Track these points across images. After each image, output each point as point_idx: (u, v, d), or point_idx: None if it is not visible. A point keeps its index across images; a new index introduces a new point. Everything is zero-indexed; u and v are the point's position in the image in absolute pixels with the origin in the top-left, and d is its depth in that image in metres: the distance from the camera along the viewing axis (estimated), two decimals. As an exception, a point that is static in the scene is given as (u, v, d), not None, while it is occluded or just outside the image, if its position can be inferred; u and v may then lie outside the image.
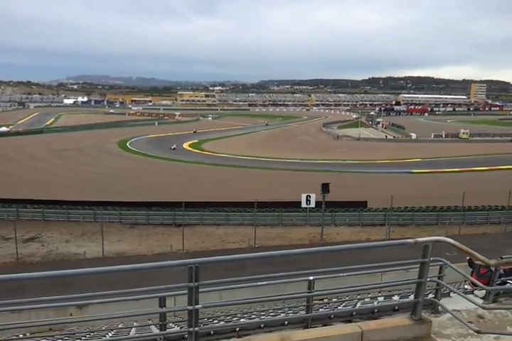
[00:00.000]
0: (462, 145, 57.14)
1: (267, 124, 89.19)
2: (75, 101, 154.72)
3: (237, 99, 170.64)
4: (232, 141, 64.57)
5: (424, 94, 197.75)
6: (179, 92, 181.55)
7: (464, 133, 66.14)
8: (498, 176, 35.33)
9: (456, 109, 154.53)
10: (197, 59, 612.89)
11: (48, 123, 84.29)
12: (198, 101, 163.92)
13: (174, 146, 53.12)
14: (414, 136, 65.24)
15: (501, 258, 3.53)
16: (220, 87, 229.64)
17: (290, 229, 23.32)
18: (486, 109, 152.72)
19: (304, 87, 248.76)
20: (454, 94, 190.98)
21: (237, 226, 23.54)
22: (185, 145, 56.43)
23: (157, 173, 36.42)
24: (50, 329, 8.07)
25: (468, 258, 5.04)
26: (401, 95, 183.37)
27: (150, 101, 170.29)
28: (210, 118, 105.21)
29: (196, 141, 61.28)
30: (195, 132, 70.97)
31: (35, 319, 4.63)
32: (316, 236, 21.57)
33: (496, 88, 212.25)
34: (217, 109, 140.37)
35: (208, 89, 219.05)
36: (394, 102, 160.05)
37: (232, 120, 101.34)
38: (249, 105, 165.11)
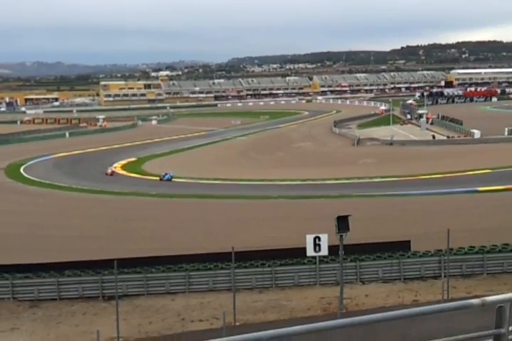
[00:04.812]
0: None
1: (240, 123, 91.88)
2: None
3: (197, 89, 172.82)
4: (192, 155, 65.36)
5: (490, 67, 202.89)
6: (103, 83, 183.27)
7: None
8: None
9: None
10: (129, 29, 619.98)
11: None
12: (134, 95, 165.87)
13: (110, 170, 53.30)
14: (477, 133, 66.49)
15: None
16: (168, 72, 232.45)
17: (291, 293, 23.24)
18: None
19: (301, 65, 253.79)
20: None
21: (204, 293, 23.48)
22: (116, 168, 56.88)
23: (70, 215, 36.39)
24: None
25: None
26: (453, 71, 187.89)
27: (56, 100, 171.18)
28: (154, 122, 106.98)
29: (133, 159, 61.98)
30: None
31: None
32: (332, 303, 21.48)
33: None
34: (165, 107, 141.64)
35: (149, 76, 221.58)
36: (443, 83, 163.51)
37: (190, 122, 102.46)
38: (216, 98, 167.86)
